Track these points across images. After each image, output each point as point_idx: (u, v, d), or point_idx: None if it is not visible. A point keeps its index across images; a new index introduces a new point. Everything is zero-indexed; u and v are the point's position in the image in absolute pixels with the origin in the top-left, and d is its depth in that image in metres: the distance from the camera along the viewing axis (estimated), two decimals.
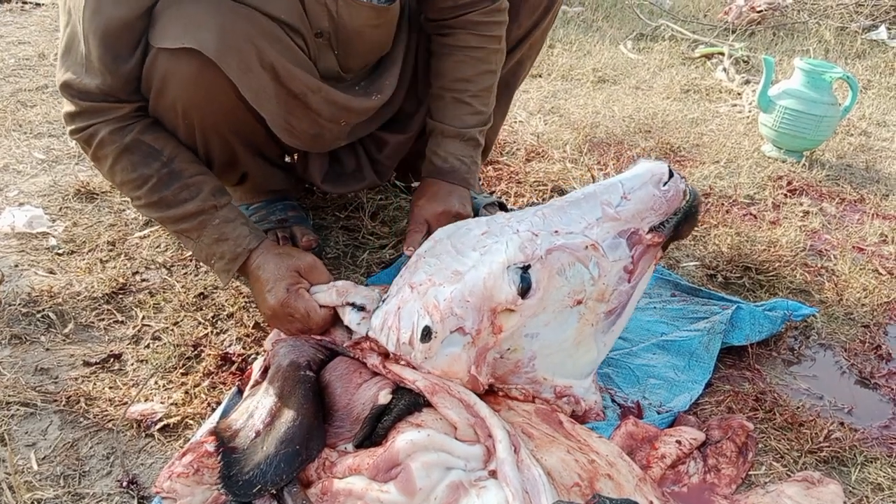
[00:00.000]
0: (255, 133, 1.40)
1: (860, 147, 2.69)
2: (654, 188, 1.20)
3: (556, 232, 1.16)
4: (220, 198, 1.28)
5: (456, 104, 1.48)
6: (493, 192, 2.02)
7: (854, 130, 2.85)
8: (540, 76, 3.13)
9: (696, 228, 1.36)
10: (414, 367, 1.12)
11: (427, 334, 1.10)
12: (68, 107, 1.25)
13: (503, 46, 1.50)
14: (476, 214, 1.75)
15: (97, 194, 1.86)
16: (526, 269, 1.12)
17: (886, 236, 1.99)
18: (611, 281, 1.19)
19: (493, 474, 1.03)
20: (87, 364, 1.29)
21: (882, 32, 4.15)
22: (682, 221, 1.22)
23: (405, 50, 1.52)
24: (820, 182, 2.32)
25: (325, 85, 1.31)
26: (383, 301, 1.18)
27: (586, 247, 1.16)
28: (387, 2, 1.33)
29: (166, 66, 1.18)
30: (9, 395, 1.20)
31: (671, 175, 1.21)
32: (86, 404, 1.20)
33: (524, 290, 1.12)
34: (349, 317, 1.21)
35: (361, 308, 1.19)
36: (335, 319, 1.25)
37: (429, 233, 1.37)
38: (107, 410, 1.19)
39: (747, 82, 3.17)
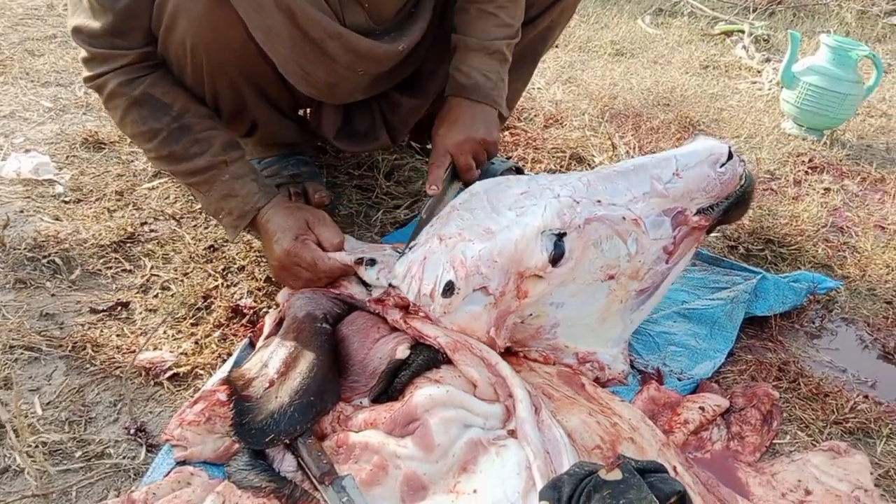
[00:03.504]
0: (265, 78, 1.34)
1: (880, 128, 2.64)
2: (710, 169, 1.14)
3: (599, 202, 1.11)
4: (231, 152, 1.25)
5: (481, 16, 1.37)
6: (510, 157, 1.98)
7: (875, 112, 2.80)
8: (557, 47, 3.07)
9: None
10: (432, 321, 1.09)
11: (449, 289, 1.06)
12: (82, 52, 1.23)
13: None
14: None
15: (105, 144, 1.81)
16: (561, 236, 1.07)
17: None
18: (648, 259, 1.15)
19: (512, 434, 1.00)
20: (93, 311, 1.26)
21: None
22: (733, 206, 1.17)
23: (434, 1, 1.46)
24: (840, 161, 2.27)
25: (347, 31, 1.26)
26: (410, 248, 1.14)
27: (628, 221, 1.11)
28: None
29: (176, 2, 1.14)
30: (13, 339, 1.16)
31: (730, 157, 1.15)
32: (92, 351, 1.16)
33: (556, 257, 1.07)
34: (368, 273, 1.17)
35: (373, 262, 1.15)
36: (347, 274, 1.21)
37: (453, 167, 1.30)
38: (114, 357, 1.15)
39: (767, 60, 3.11)
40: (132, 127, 1.24)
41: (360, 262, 1.17)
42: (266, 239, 1.24)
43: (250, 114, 1.44)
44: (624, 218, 1.12)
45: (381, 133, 1.66)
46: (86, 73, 1.24)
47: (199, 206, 1.57)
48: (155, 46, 1.22)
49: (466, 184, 1.34)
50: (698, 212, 1.16)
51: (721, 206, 1.17)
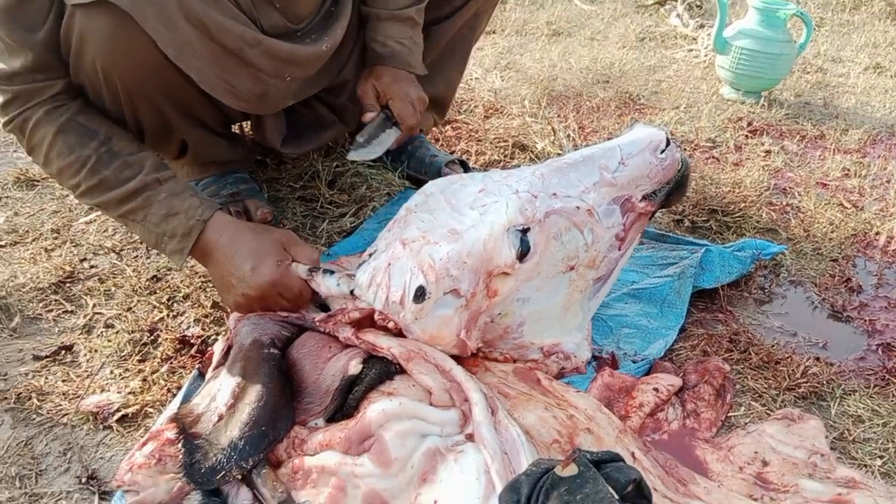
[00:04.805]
0: (187, 96, 1.30)
1: (817, 84, 2.68)
2: (652, 155, 1.17)
3: (555, 194, 1.12)
4: (164, 171, 1.20)
5: None
6: (453, 151, 1.97)
7: (810, 68, 2.84)
8: (494, 32, 3.06)
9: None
10: (399, 328, 1.08)
11: (421, 294, 1.05)
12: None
13: None
14: (438, 174, 1.70)
15: (38, 181, 1.77)
16: (525, 231, 1.08)
17: (849, 170, 1.99)
18: (602, 248, 1.17)
19: (470, 438, 0.99)
20: (36, 358, 1.22)
21: None
22: (674, 191, 1.20)
23: None
24: (780, 121, 2.30)
25: (267, 37, 1.24)
26: (371, 256, 1.13)
27: (583, 211, 1.13)
28: None
29: (82, 24, 1.10)
30: None
31: (668, 143, 1.17)
32: (38, 400, 1.13)
33: (522, 253, 1.08)
34: (327, 282, 1.15)
35: (331, 272, 1.14)
36: None
37: (385, 116, 1.39)
38: (61, 405, 1.13)
39: (701, 26, 3.14)
40: (59, 160, 1.18)
41: (314, 270, 1.15)
42: (231, 266, 1.15)
43: (177, 134, 1.40)
44: (578, 208, 1.13)
45: (332, 120, 1.63)
46: (5, 117, 1.18)
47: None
48: None
49: (406, 132, 1.42)
50: (643, 198, 1.18)
51: (663, 190, 1.20)
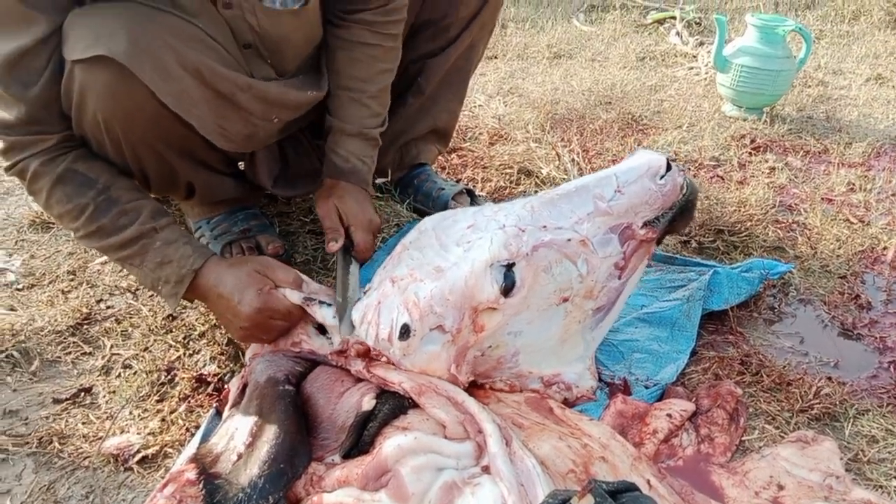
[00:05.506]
0: (187, 141, 1.33)
1: (819, 97, 2.70)
2: (651, 182, 1.16)
3: (545, 227, 1.12)
4: (160, 219, 1.23)
5: (354, 104, 1.46)
6: (460, 179, 1.99)
7: (811, 81, 2.86)
8: (495, 57, 3.10)
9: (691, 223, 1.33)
10: (394, 365, 1.10)
11: (406, 332, 1.07)
12: None
13: (398, 44, 1.48)
14: (445, 208, 1.72)
15: (52, 224, 1.79)
16: (510, 266, 1.09)
17: (854, 184, 2.00)
18: (600, 277, 1.16)
19: (486, 470, 1.00)
20: (56, 401, 1.24)
21: None
22: (678, 216, 1.19)
23: None
24: (783, 137, 2.32)
25: (256, 81, 1.28)
26: (365, 293, 1.15)
27: (575, 243, 1.13)
28: (302, 2, 1.29)
29: (82, 79, 1.13)
30: None
31: (669, 168, 1.17)
32: (59, 443, 1.15)
33: (507, 288, 1.08)
34: (322, 312, 1.17)
35: (329, 304, 1.16)
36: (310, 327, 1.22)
37: (344, 248, 1.37)
38: (81, 448, 1.14)
39: (701, 44, 3.17)
40: (58, 206, 1.22)
41: (310, 300, 1.17)
42: (223, 305, 1.21)
43: (183, 178, 1.43)
44: (570, 240, 1.13)
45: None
46: (5, 164, 1.22)
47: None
48: (71, 128, 1.21)
49: (362, 262, 1.39)
50: (644, 225, 1.17)
51: (666, 216, 1.19)
